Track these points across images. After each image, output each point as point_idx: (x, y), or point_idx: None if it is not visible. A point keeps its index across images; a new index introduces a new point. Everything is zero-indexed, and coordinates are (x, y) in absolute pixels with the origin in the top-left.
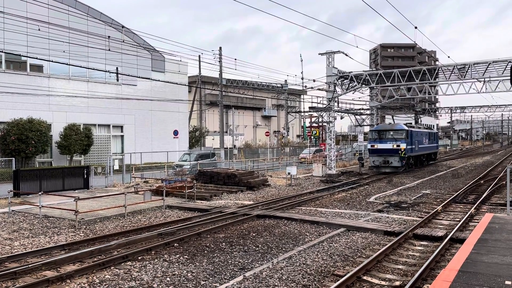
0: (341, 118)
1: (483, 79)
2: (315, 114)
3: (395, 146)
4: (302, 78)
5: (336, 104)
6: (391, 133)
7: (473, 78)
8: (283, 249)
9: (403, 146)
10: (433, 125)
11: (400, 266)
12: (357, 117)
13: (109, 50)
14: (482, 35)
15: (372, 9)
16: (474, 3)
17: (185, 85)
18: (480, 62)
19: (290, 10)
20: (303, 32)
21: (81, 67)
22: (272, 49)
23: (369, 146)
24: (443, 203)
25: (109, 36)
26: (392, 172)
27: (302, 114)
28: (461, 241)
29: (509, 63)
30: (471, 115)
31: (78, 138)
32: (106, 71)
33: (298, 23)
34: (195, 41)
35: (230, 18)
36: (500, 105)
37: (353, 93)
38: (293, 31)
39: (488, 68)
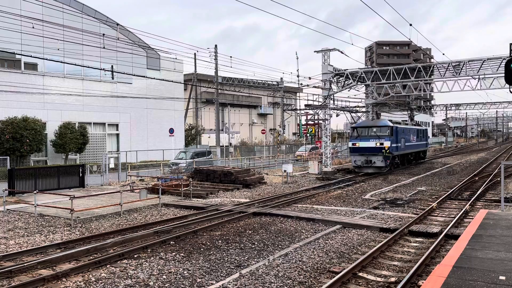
0: (337, 115)
1: (477, 76)
2: (311, 111)
3: (378, 144)
4: (298, 76)
5: (331, 101)
6: (374, 130)
7: (468, 75)
8: (279, 246)
9: (387, 144)
10: (428, 122)
11: (396, 263)
12: (353, 114)
13: (104, 48)
14: (480, 33)
15: (368, 7)
16: (472, 0)
17: (180, 83)
18: (475, 59)
19: (289, 8)
20: (301, 30)
21: (76, 65)
22: (270, 47)
23: (350, 145)
24: (438, 200)
25: (103, 34)
26: (375, 173)
27: (298, 111)
28: (456, 237)
29: (503, 60)
30: (466, 112)
31: (73, 137)
32: (101, 69)
33: (297, 21)
34: (194, 39)
35: (229, 16)
36: (494, 102)
37: (348, 90)
38: (292, 29)
39: (482, 65)
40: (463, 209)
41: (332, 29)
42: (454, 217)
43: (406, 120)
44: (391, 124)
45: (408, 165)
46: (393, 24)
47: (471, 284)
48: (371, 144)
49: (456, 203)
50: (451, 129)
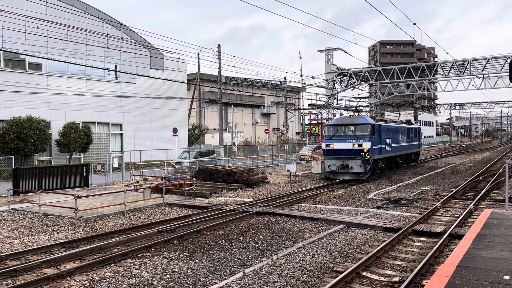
0: (340, 115)
1: (482, 76)
2: (314, 111)
3: (356, 145)
4: (301, 75)
5: (335, 101)
6: (352, 128)
7: (472, 75)
8: (283, 245)
9: (366, 145)
10: (432, 122)
11: (399, 262)
12: (356, 114)
13: (107, 48)
14: (486, 32)
15: (373, 7)
16: None
17: (184, 82)
18: (479, 58)
19: (294, 8)
20: (307, 29)
21: (79, 65)
22: (276, 47)
23: (323, 146)
24: (442, 200)
25: (107, 34)
26: (352, 180)
27: (301, 111)
28: (460, 236)
29: (508, 59)
30: (470, 112)
31: (77, 136)
32: (105, 69)
33: (302, 21)
34: (199, 39)
35: (235, 15)
36: (499, 102)
37: (352, 90)
38: (297, 28)
39: (487, 65)
40: (467, 209)
41: (337, 28)
42: (458, 217)
43: (410, 120)
44: (372, 122)
45: (396, 170)
46: (400, 23)
47: (475, 283)
48: (347, 145)
49: (460, 202)
50: (455, 129)
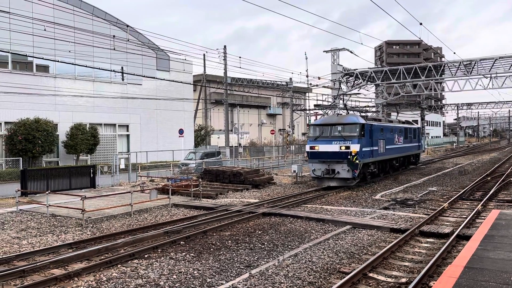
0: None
1: (489, 75)
2: (320, 111)
3: (343, 148)
4: (307, 76)
5: (341, 101)
6: (339, 128)
7: (480, 74)
8: (289, 246)
9: (354, 148)
10: (440, 122)
11: (406, 263)
12: (363, 114)
13: (114, 49)
14: (494, 31)
15: (379, 8)
16: None
17: (190, 83)
18: (487, 58)
19: (301, 10)
20: (313, 30)
21: (86, 66)
22: (282, 47)
23: (307, 148)
24: (450, 200)
25: (114, 36)
26: (339, 186)
27: (307, 112)
28: (468, 237)
29: None
30: (478, 112)
31: (84, 138)
32: (111, 71)
33: (309, 22)
34: (206, 40)
35: (242, 16)
36: (507, 101)
37: (358, 90)
38: (304, 29)
39: (494, 64)
40: (475, 210)
41: (343, 29)
42: (466, 218)
43: (417, 120)
44: (362, 121)
45: (393, 173)
46: (406, 24)
47: (483, 284)
48: (334, 147)
49: (468, 203)
50: (462, 129)
